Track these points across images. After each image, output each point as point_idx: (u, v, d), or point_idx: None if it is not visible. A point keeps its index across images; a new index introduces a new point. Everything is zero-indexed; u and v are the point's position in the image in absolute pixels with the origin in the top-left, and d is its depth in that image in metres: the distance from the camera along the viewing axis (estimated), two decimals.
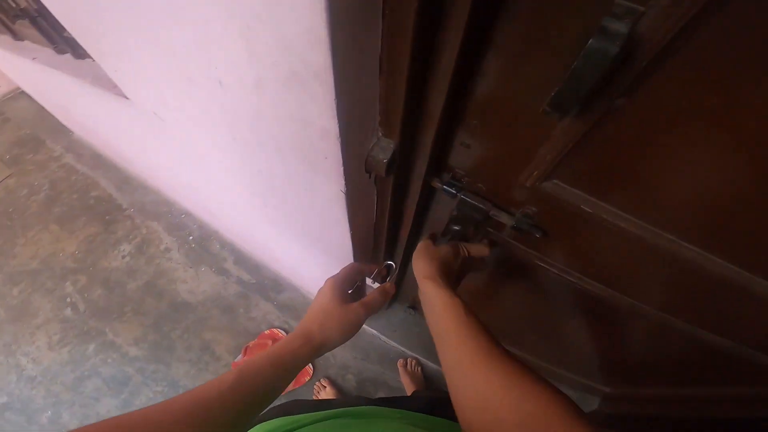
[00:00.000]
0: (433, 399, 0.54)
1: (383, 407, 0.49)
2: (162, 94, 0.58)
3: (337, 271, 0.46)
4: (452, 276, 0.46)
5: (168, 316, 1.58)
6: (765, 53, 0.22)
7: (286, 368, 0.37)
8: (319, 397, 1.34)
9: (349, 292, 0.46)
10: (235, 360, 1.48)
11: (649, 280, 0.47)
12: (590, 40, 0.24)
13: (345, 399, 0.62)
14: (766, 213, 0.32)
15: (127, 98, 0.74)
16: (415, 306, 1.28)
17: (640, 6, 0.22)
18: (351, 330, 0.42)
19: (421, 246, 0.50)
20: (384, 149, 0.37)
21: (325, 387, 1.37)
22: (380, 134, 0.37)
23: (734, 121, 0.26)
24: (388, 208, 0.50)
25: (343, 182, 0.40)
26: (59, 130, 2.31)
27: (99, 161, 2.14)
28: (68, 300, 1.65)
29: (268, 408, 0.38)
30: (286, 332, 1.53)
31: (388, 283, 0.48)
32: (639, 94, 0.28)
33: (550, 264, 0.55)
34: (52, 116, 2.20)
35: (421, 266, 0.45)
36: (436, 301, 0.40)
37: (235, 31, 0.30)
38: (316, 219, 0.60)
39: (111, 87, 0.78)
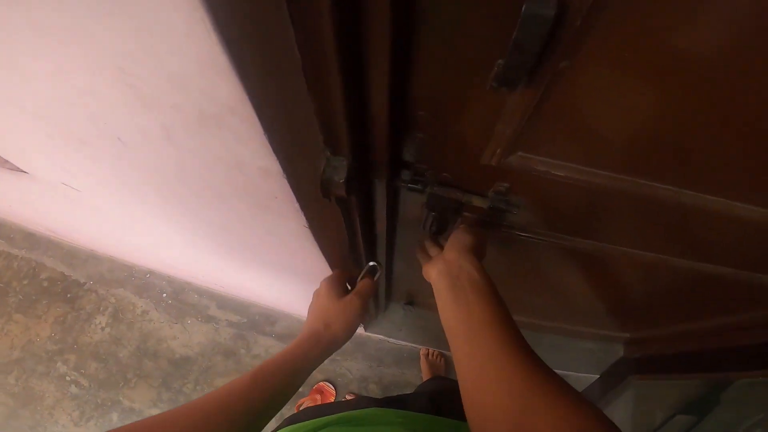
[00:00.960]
0: (437, 393, 0.53)
1: (387, 409, 0.50)
2: (57, 162, 0.49)
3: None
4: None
5: (173, 374, 1.54)
6: None
7: (298, 368, 0.39)
8: None
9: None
10: None
11: (636, 226, 0.46)
12: (524, 7, 0.22)
13: (349, 401, 0.62)
14: (724, 144, 0.32)
15: (25, 172, 0.64)
16: (413, 302, 1.27)
17: None
18: (354, 322, 0.44)
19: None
20: (337, 168, 0.33)
21: None
22: (329, 154, 0.32)
23: (672, 60, 0.26)
24: (359, 224, 0.46)
25: (303, 218, 0.36)
26: None
27: (34, 241, 1.94)
28: (68, 378, 1.58)
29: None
30: None
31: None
32: (581, 52, 0.27)
33: (535, 234, 0.54)
34: None
35: (464, 241, 0.44)
36: (486, 281, 0.38)
37: (108, 78, 0.24)
38: (287, 256, 0.55)
39: (1, 162, 0.68)
